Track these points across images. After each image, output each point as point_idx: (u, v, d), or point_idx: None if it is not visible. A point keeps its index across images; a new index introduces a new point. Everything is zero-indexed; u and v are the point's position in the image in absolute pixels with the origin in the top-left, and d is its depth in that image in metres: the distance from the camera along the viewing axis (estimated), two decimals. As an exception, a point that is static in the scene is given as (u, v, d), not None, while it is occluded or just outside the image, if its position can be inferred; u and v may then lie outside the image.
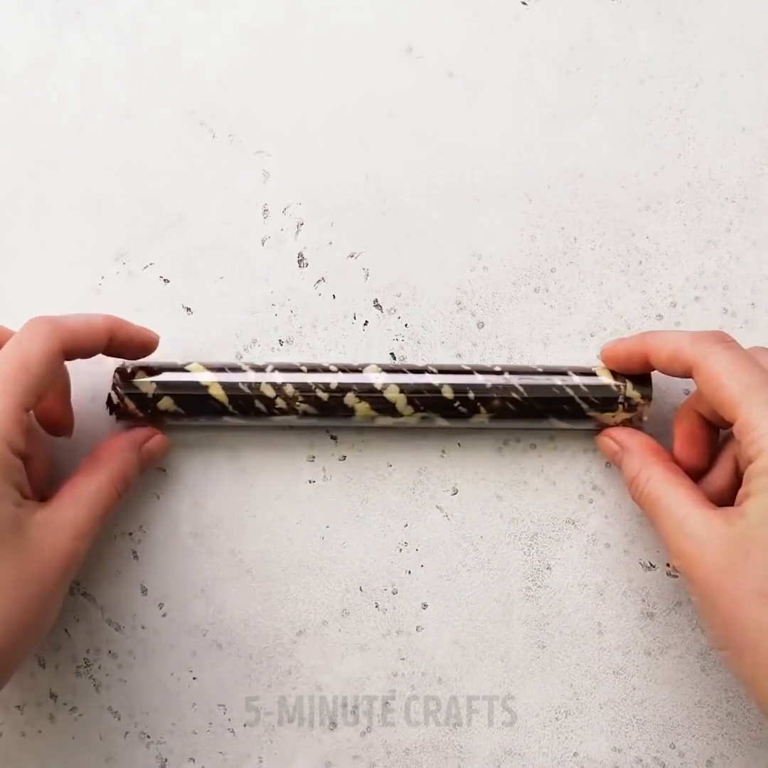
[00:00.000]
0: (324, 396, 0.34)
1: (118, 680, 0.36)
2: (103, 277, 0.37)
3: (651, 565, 0.35)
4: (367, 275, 0.37)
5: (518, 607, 0.36)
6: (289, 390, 0.34)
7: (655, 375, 0.34)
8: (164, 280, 0.37)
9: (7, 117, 0.38)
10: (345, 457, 0.36)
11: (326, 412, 0.34)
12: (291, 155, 0.37)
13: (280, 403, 0.34)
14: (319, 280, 0.37)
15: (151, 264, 0.37)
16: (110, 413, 0.34)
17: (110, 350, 0.33)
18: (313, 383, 0.34)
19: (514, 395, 0.33)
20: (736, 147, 0.37)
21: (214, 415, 0.34)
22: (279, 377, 0.34)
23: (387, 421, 0.34)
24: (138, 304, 0.37)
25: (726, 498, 0.32)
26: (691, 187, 0.37)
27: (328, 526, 0.36)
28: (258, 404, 0.34)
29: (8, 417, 0.29)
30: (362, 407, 0.34)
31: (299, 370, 0.34)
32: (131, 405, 0.34)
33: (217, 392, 0.34)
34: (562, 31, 0.37)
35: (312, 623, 0.36)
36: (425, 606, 0.36)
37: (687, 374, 0.31)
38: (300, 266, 0.37)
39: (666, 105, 0.37)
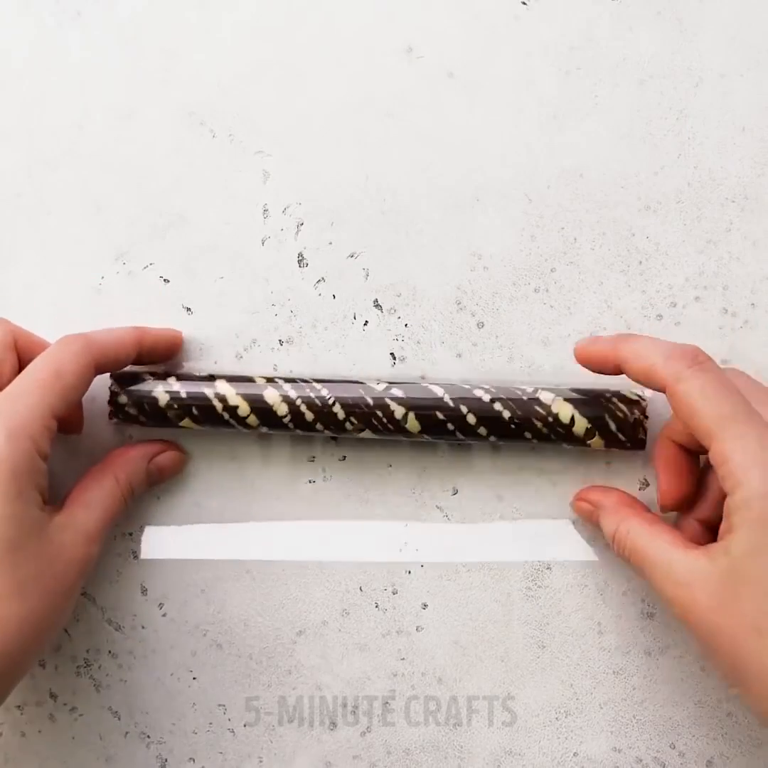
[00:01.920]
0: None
1: (118, 680, 0.36)
2: (103, 277, 0.37)
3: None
4: (367, 275, 0.37)
5: (518, 607, 0.36)
6: (291, 407, 0.34)
7: None
8: (164, 280, 0.37)
9: (7, 117, 0.38)
10: (345, 457, 0.36)
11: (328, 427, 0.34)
12: (291, 155, 0.37)
13: (283, 413, 0.34)
14: (319, 280, 0.37)
15: (151, 264, 0.37)
16: (110, 417, 0.34)
17: (139, 360, 0.34)
18: (318, 399, 0.34)
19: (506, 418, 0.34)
20: (736, 147, 0.37)
21: (218, 422, 0.34)
22: (281, 391, 0.34)
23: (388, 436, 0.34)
24: (138, 304, 0.37)
25: (717, 525, 0.31)
26: (691, 187, 0.37)
27: (328, 526, 0.36)
28: (260, 415, 0.34)
29: (40, 422, 0.29)
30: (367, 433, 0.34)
31: (304, 381, 0.34)
32: (131, 410, 0.34)
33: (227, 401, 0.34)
34: (562, 31, 0.37)
35: (312, 623, 0.36)
36: (425, 606, 0.36)
37: (660, 390, 0.30)
38: (300, 266, 0.37)
39: (666, 105, 0.37)
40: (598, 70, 0.37)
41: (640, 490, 0.35)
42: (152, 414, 0.34)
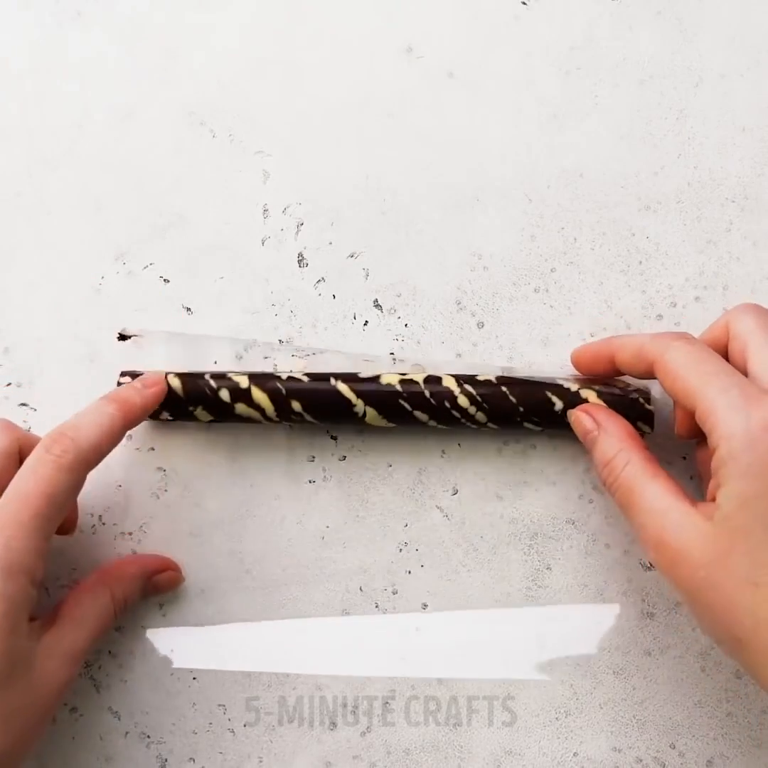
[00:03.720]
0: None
1: (118, 680, 0.36)
2: (103, 277, 0.37)
3: (651, 565, 0.35)
4: (367, 275, 0.37)
5: (518, 607, 0.36)
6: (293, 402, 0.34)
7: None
8: (164, 280, 0.37)
9: (7, 117, 0.38)
10: (345, 457, 0.36)
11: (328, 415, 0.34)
12: (291, 155, 0.37)
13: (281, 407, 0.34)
14: (319, 280, 0.37)
15: (151, 264, 0.37)
16: None
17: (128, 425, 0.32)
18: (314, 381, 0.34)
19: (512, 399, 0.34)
20: (736, 147, 0.37)
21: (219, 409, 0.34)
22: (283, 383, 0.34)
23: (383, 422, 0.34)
24: (138, 304, 0.37)
25: None
26: (691, 187, 0.37)
27: (328, 526, 0.36)
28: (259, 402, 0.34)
29: (35, 553, 0.29)
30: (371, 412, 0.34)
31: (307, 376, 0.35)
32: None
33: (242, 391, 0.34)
34: (562, 31, 0.37)
35: (312, 623, 0.36)
36: (425, 606, 0.36)
37: (649, 372, 0.31)
38: (300, 266, 0.37)
39: (666, 105, 0.37)
40: (598, 70, 0.37)
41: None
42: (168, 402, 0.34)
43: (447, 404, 0.34)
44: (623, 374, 0.33)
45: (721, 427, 0.27)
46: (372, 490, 0.36)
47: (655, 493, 0.29)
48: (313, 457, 0.36)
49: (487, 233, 0.37)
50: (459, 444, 0.36)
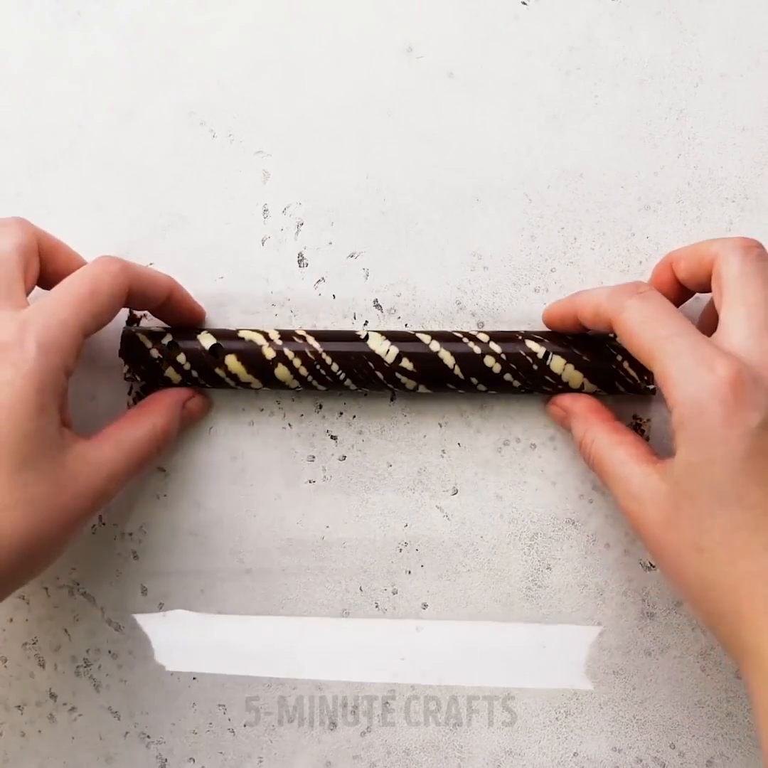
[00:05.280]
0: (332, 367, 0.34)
1: (118, 680, 0.36)
2: (103, 277, 0.37)
3: (651, 565, 0.35)
4: (367, 275, 0.37)
5: (518, 607, 0.36)
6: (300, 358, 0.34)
7: None
8: (164, 280, 0.37)
9: (7, 117, 0.38)
10: (345, 457, 0.36)
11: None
12: (291, 155, 0.37)
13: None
14: (319, 280, 0.37)
15: (151, 264, 0.37)
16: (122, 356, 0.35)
17: (164, 309, 0.34)
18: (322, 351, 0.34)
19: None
20: (736, 147, 0.37)
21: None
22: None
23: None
24: (138, 304, 0.37)
25: None
26: (691, 187, 0.37)
27: (328, 526, 0.36)
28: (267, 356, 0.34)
29: (71, 339, 0.29)
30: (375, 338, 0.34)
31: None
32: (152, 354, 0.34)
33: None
34: (562, 31, 0.37)
35: (312, 623, 0.36)
36: (425, 606, 0.36)
37: (610, 330, 0.31)
38: (300, 266, 0.37)
39: (666, 105, 0.37)
40: (598, 70, 0.37)
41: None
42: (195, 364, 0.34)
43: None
44: (589, 331, 0.34)
45: (673, 393, 0.27)
46: (372, 490, 0.36)
47: (617, 461, 0.30)
48: (313, 457, 0.36)
49: (487, 233, 0.37)
50: (459, 443, 0.36)
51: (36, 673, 0.36)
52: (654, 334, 0.28)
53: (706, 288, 0.31)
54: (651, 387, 0.34)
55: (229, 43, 0.38)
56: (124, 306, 0.32)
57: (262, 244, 0.37)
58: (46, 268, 0.32)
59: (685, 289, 0.33)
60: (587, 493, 0.36)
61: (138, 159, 0.38)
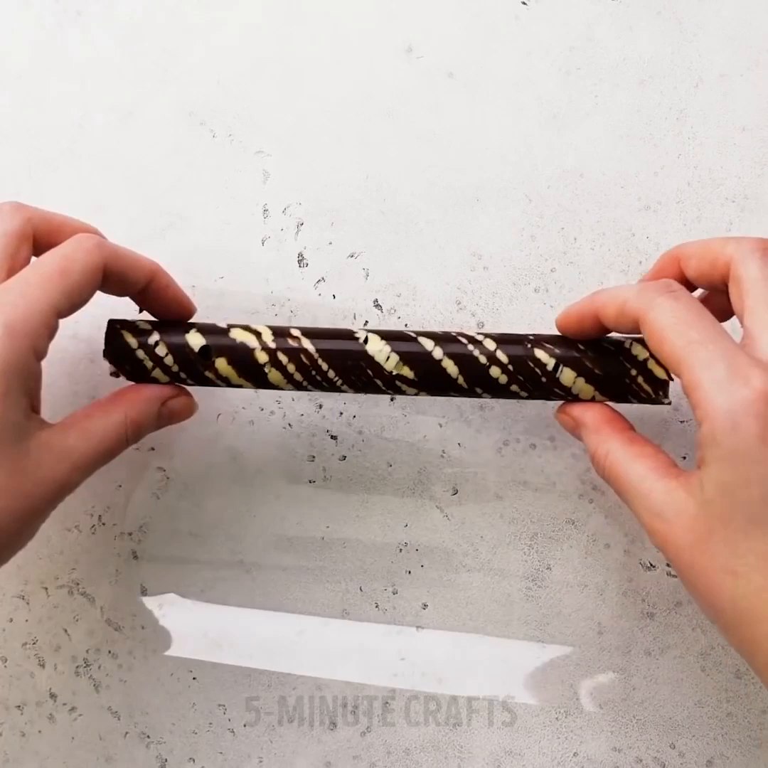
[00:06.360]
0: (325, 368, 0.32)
1: (118, 680, 0.36)
2: (103, 277, 0.37)
3: (651, 565, 0.35)
4: (367, 275, 0.37)
5: (518, 607, 0.36)
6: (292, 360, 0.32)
7: None
8: (164, 280, 0.37)
9: (7, 117, 0.38)
10: (345, 457, 0.36)
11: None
12: (291, 155, 0.37)
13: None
14: (319, 280, 0.37)
15: (151, 264, 0.37)
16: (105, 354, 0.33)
17: (147, 296, 0.32)
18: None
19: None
20: (736, 147, 0.37)
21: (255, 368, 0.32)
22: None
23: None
24: (138, 304, 0.37)
25: None
26: (691, 187, 0.37)
27: (328, 526, 0.36)
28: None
29: (40, 319, 0.27)
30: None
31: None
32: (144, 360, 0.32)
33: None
34: (562, 31, 0.37)
35: (312, 623, 0.36)
36: (425, 606, 0.36)
37: (636, 329, 0.29)
38: (300, 266, 0.37)
39: (666, 105, 0.37)
40: (598, 70, 0.37)
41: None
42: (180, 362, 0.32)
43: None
44: (610, 332, 0.31)
45: (704, 404, 0.26)
46: (372, 490, 0.36)
47: (637, 476, 0.29)
48: (313, 457, 0.36)
49: (487, 233, 0.37)
50: (459, 443, 0.36)
51: (36, 673, 0.36)
52: (686, 338, 0.26)
53: (717, 288, 0.30)
54: (667, 401, 0.31)
55: (229, 43, 0.38)
56: (103, 289, 0.30)
57: (262, 244, 0.37)
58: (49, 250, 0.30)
59: (690, 285, 0.32)
60: (587, 493, 0.36)
61: (138, 159, 0.38)
